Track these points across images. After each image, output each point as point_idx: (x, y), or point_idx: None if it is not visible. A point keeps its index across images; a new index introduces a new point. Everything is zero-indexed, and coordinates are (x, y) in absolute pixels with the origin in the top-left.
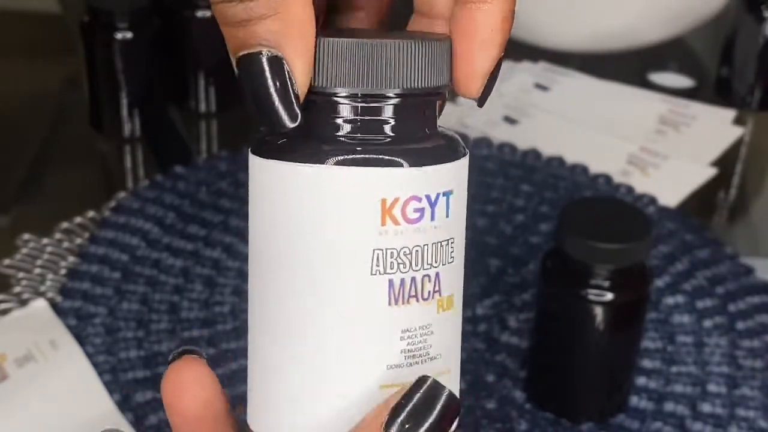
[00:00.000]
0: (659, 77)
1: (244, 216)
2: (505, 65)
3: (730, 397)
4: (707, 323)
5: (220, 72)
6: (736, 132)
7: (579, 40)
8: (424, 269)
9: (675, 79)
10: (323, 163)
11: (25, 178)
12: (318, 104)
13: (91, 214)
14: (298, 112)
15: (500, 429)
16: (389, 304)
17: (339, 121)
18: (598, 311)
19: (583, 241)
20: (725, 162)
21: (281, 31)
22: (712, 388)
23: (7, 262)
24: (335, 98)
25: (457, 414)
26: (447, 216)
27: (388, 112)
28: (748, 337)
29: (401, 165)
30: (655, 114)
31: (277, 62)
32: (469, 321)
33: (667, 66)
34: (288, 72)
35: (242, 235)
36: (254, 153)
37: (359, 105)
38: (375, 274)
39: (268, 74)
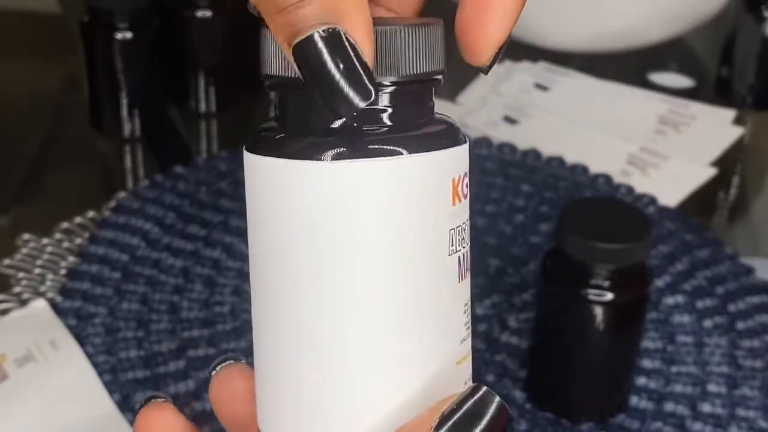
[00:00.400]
0: (659, 77)
1: (245, 216)
2: (505, 65)
3: (730, 397)
4: (707, 323)
5: (220, 72)
6: (736, 132)
7: (579, 40)
8: (467, 242)
9: (675, 79)
10: (400, 154)
11: (25, 178)
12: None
13: (91, 214)
14: (371, 87)
15: None
16: (458, 281)
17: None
18: (598, 311)
19: (583, 241)
20: (725, 162)
21: (336, 5)
22: (712, 388)
23: (7, 262)
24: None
25: (507, 424)
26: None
27: (423, 94)
28: (748, 337)
29: (462, 143)
30: (655, 114)
31: (336, 37)
32: None
33: (667, 66)
34: (352, 43)
35: (242, 235)
36: (293, 157)
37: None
38: (451, 254)
39: (327, 52)
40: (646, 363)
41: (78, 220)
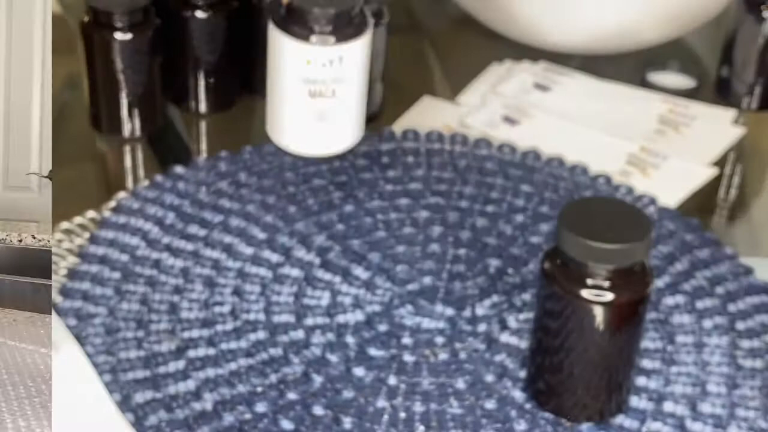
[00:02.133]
0: (659, 77)
1: (244, 216)
2: (505, 65)
3: (730, 397)
4: (707, 323)
5: (220, 72)
6: (736, 132)
7: (579, 40)
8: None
9: (675, 79)
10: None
11: None
12: None
13: (91, 214)
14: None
15: (500, 429)
16: None
17: None
18: (598, 311)
19: (582, 241)
20: (725, 162)
21: None
22: (712, 388)
23: None
24: None
25: None
26: None
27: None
28: (748, 337)
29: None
30: (655, 114)
31: None
32: (469, 321)
33: (667, 66)
34: None
35: (242, 235)
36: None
37: None
38: None
39: None
40: (646, 363)
41: (78, 220)
